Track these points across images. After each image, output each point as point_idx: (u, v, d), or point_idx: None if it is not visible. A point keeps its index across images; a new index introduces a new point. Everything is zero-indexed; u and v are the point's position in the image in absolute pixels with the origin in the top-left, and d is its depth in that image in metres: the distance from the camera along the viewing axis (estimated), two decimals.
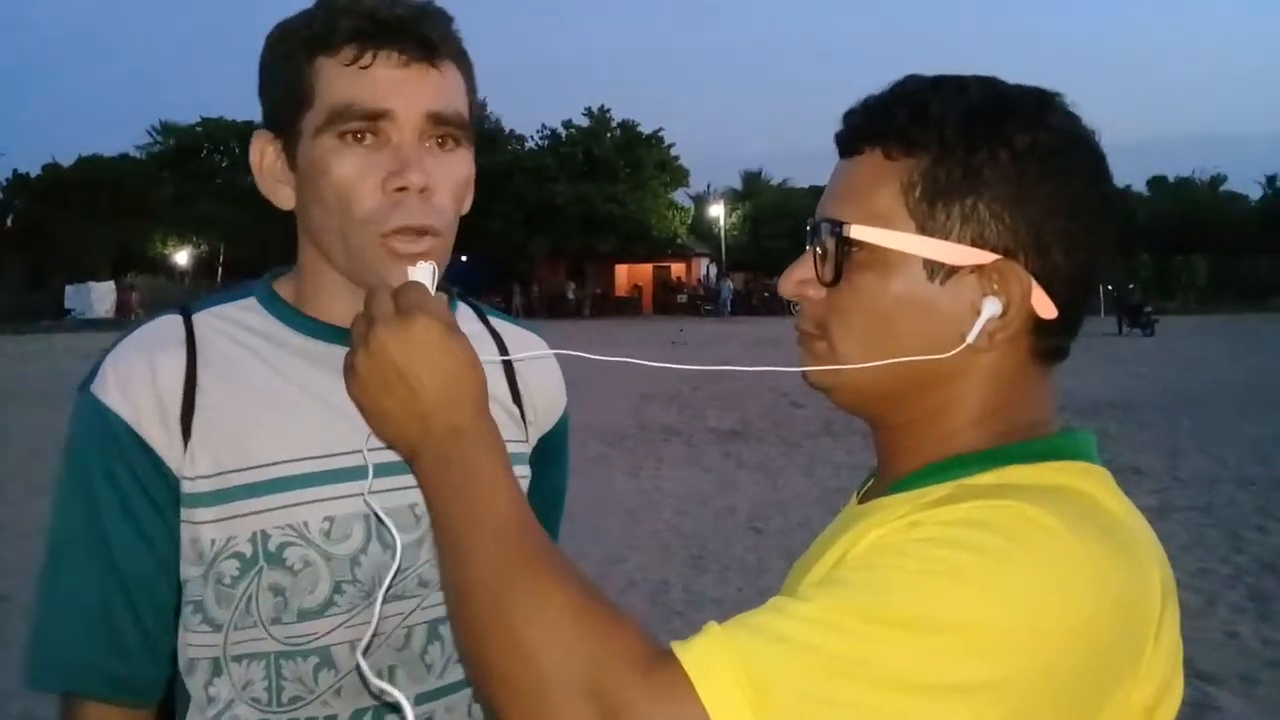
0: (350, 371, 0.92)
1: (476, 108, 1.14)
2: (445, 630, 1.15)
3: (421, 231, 1.04)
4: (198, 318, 1.14)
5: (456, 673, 1.16)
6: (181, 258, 49.46)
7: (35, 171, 51.65)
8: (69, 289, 42.75)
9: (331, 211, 1.05)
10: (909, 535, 0.77)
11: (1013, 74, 0.89)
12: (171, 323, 1.13)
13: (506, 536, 0.80)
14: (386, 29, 1.03)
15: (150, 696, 1.11)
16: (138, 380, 1.07)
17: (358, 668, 0.92)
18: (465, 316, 1.27)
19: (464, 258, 44.57)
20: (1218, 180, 56.85)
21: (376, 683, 0.91)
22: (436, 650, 1.15)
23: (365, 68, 1.03)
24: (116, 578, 1.06)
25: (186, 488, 1.07)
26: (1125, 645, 0.75)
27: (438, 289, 1.02)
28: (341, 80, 1.03)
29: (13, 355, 22.39)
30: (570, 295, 44.98)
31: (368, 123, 1.03)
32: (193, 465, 1.07)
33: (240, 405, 1.09)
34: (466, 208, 1.14)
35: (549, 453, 1.30)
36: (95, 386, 1.08)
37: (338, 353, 1.10)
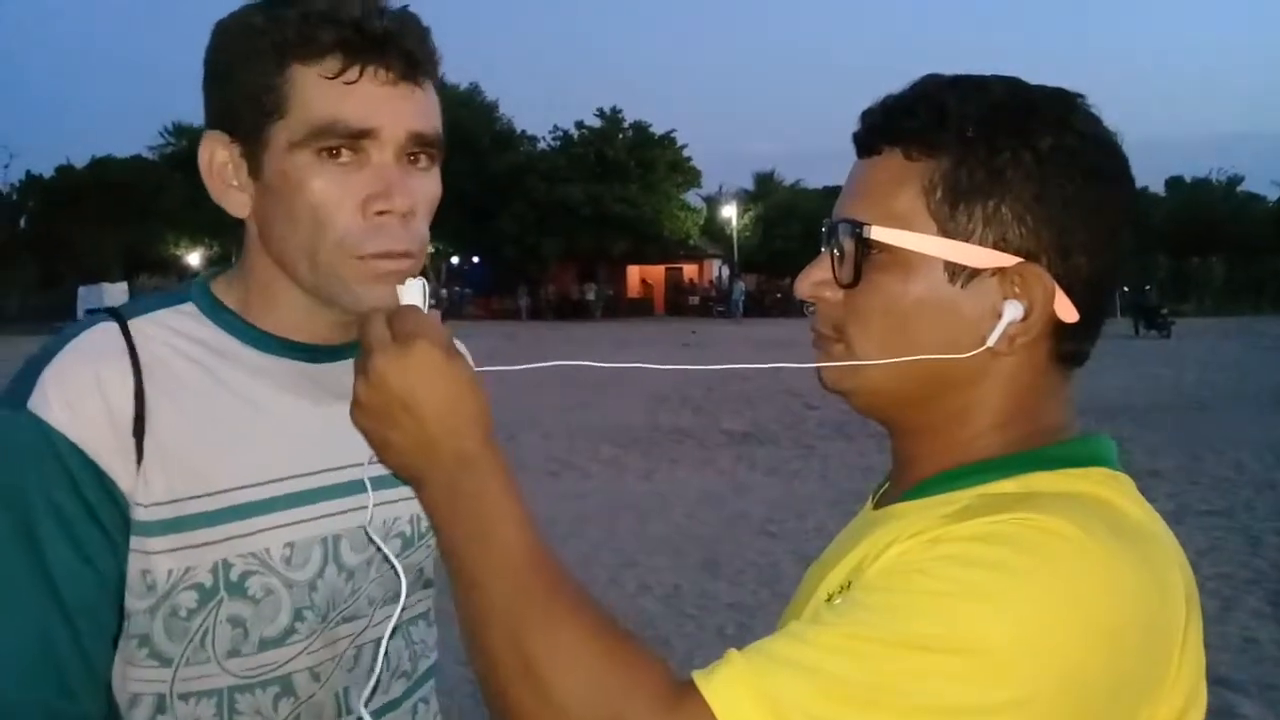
0: (353, 401, 0.90)
1: (444, 125, 1.09)
2: (392, 646, 1.13)
3: (402, 254, 1.00)
4: (134, 325, 1.04)
5: (399, 687, 1.16)
6: (193, 259, 49.66)
7: (48, 173, 51.97)
8: (81, 290, 42.97)
9: (303, 229, 1.00)
10: (928, 553, 0.76)
11: (1029, 73, 0.88)
12: (109, 331, 1.03)
13: (521, 570, 0.79)
14: (374, 44, 0.98)
15: None
16: (85, 395, 0.97)
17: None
18: None
19: (475, 259, 44.72)
20: (1235, 181, 56.58)
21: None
22: (383, 667, 1.11)
23: (351, 83, 0.98)
24: (60, 611, 0.95)
25: (139, 514, 0.99)
26: (1151, 658, 0.74)
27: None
28: (325, 94, 0.98)
29: (26, 357, 22.52)
30: (590, 296, 44.98)
31: (350, 141, 0.99)
32: (146, 490, 0.99)
33: (193, 425, 1.02)
34: None
35: None
36: (34, 403, 0.97)
37: (285, 366, 1.08)
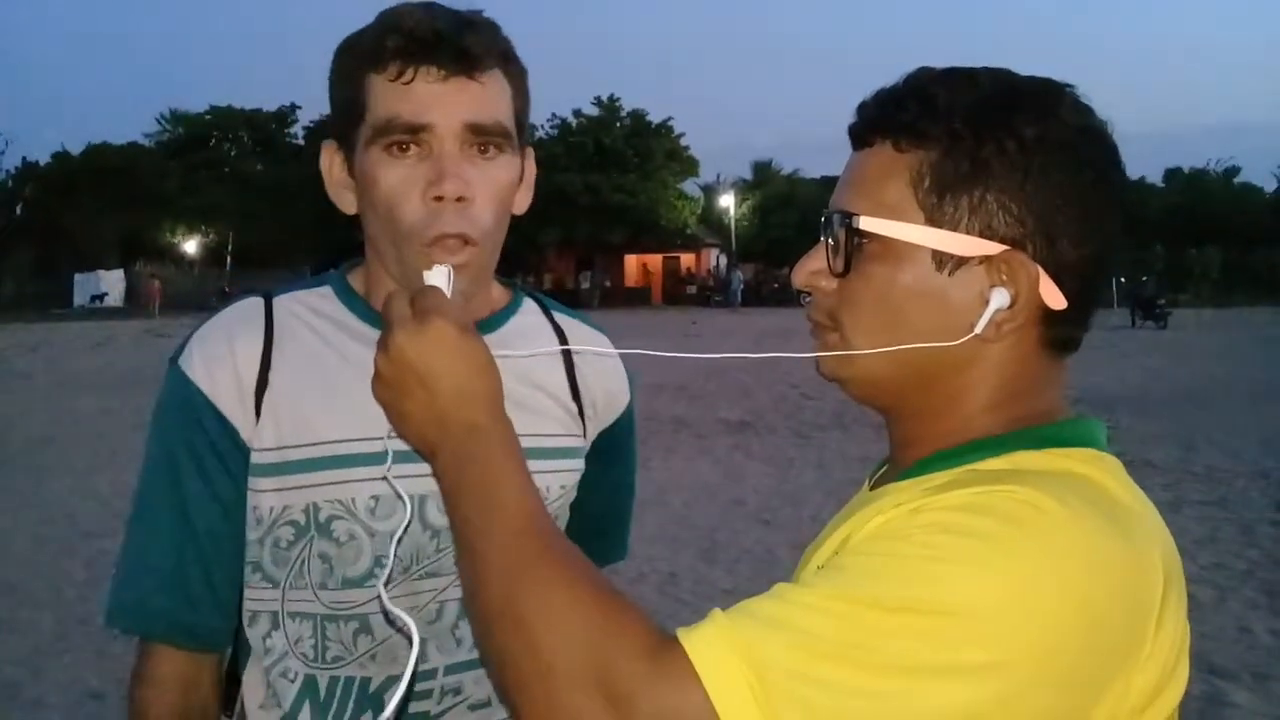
0: (374, 374, 0.95)
1: (525, 111, 1.19)
2: None
3: (458, 239, 1.09)
4: (278, 301, 1.23)
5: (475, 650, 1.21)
6: (190, 246, 49.62)
7: (44, 160, 51.93)
8: (77, 277, 42.96)
9: (382, 220, 1.12)
10: (911, 522, 0.78)
11: (1027, 65, 0.89)
12: (254, 305, 1.23)
13: (518, 531, 0.81)
14: (425, 45, 1.09)
15: (215, 644, 1.22)
16: (219, 358, 1.17)
17: (379, 597, 0.99)
18: (528, 310, 1.32)
19: None
20: (1232, 172, 56.52)
21: (391, 609, 0.95)
22: (467, 626, 1.20)
23: (407, 83, 1.09)
24: (191, 534, 1.16)
25: (254, 459, 1.17)
26: (1126, 629, 0.75)
27: (509, 286, 1.08)
28: (387, 95, 1.10)
29: (23, 343, 22.51)
30: (586, 285, 44.96)
31: (410, 135, 1.09)
32: (260, 438, 1.16)
33: (305, 385, 1.18)
34: (524, 207, 1.22)
35: (611, 447, 1.36)
36: (182, 361, 1.18)
37: None
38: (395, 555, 1.06)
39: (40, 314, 35.57)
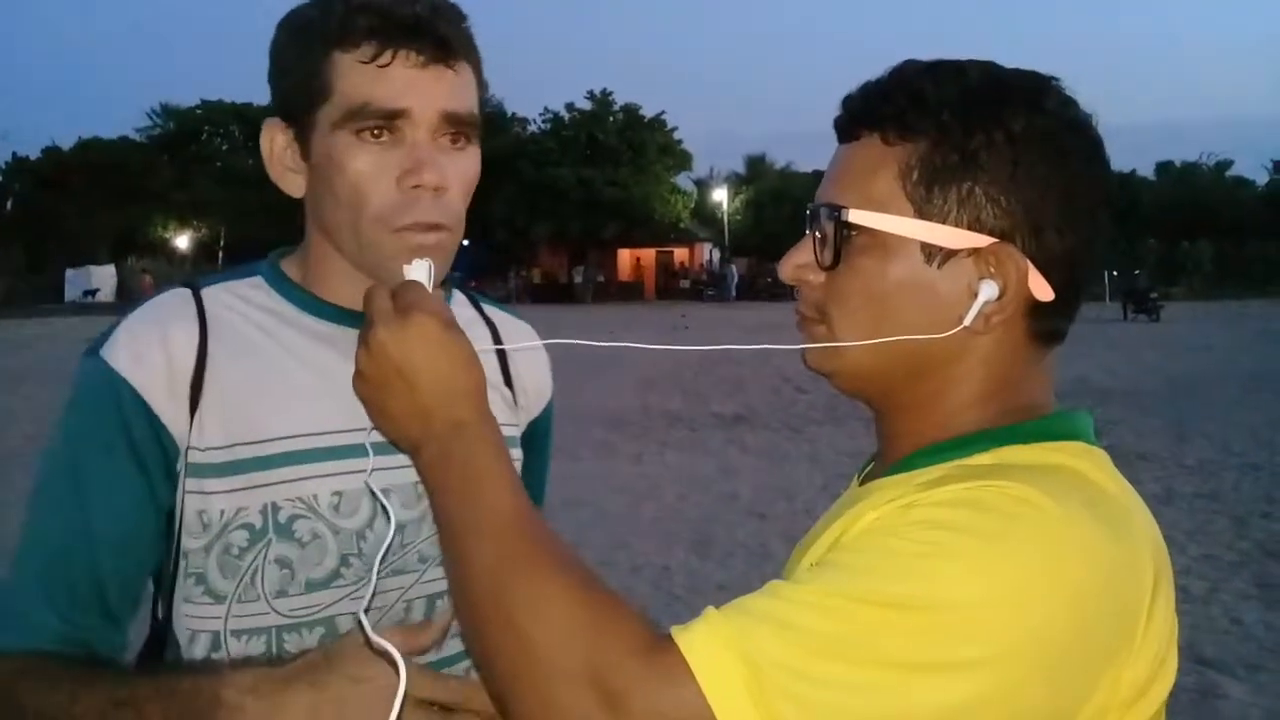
0: (355, 370, 0.94)
1: (485, 102, 1.15)
2: (442, 604, 1.17)
3: (433, 226, 1.06)
4: (206, 292, 1.16)
5: (453, 646, 1.17)
6: (182, 241, 49.47)
7: (35, 155, 51.67)
8: (69, 273, 42.78)
9: (344, 205, 1.07)
10: (902, 517, 0.78)
11: (1019, 60, 0.89)
12: (182, 296, 1.15)
13: (506, 529, 0.81)
14: (405, 28, 1.04)
15: (85, 651, 1.06)
16: (150, 348, 1.09)
17: (359, 624, 0.94)
18: (459, 303, 1.30)
19: (466, 242, 44.56)
20: (1224, 165, 56.59)
21: (376, 639, 0.92)
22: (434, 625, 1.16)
23: (384, 66, 1.04)
24: (85, 537, 1.06)
25: (195, 458, 1.09)
26: (1116, 622, 0.76)
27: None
28: (360, 78, 1.05)
29: (14, 340, 22.43)
30: (579, 279, 44.92)
31: (385, 121, 1.05)
32: (201, 436, 1.09)
33: (251, 379, 1.11)
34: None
35: (534, 438, 1.32)
36: (105, 351, 1.09)
37: (343, 333, 1.14)
38: (377, 570, 1.01)
39: (31, 310, 35.40)
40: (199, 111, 53.88)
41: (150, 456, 1.08)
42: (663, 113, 47.80)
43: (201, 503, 1.09)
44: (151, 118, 54.68)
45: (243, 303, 1.16)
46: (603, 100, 47.02)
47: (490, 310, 1.33)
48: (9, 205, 50.06)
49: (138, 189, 46.85)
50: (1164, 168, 56.41)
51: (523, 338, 1.31)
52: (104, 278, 42.31)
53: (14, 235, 44.96)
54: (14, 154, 52.34)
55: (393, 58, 1.04)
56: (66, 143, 51.94)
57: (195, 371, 1.10)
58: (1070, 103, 0.88)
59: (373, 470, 1.06)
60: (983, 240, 0.85)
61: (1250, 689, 4.19)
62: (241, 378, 1.11)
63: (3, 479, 8.35)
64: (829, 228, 0.89)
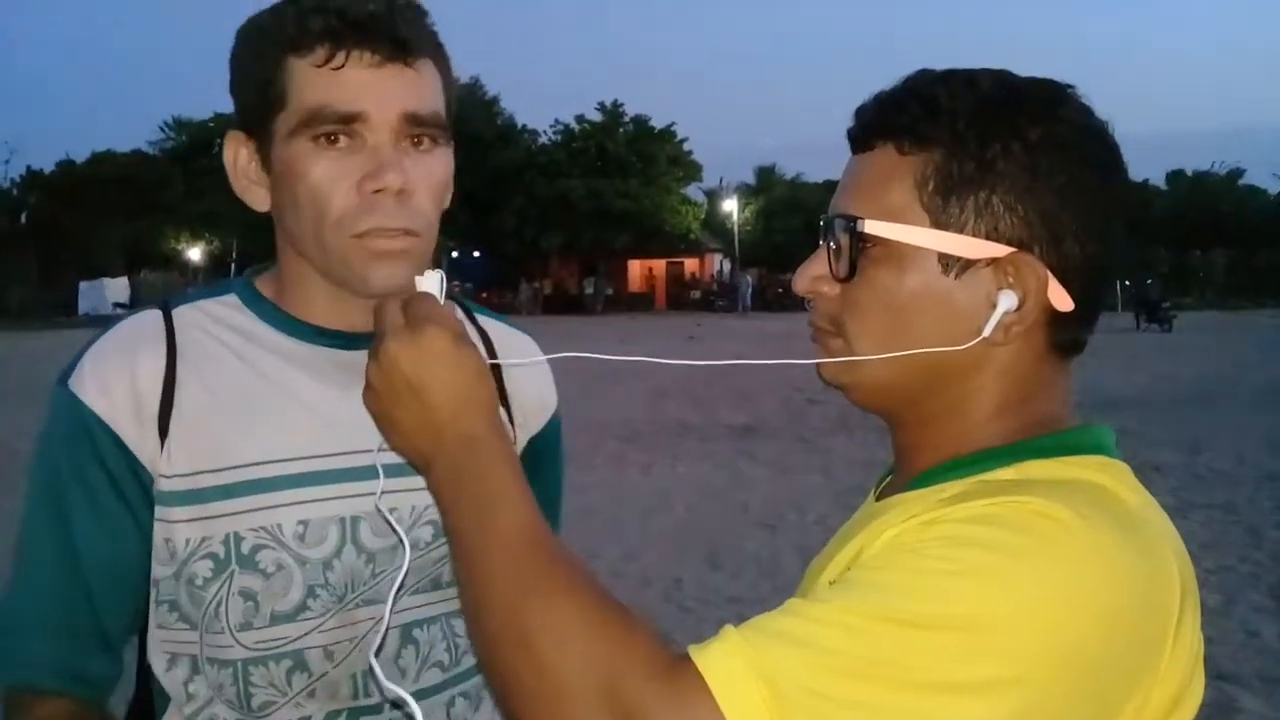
0: (365, 384, 0.92)
1: (453, 102, 1.11)
2: (419, 634, 1.14)
3: (398, 232, 1.02)
4: (178, 313, 1.12)
5: (431, 677, 1.15)
6: (194, 254, 49.62)
7: (49, 168, 51.98)
8: (82, 285, 42.97)
9: (305, 214, 1.03)
10: (924, 534, 0.76)
11: (1030, 66, 0.89)
12: (152, 318, 1.11)
13: (519, 547, 0.79)
14: (358, 28, 1.00)
15: (100, 691, 1.10)
16: (116, 377, 1.06)
17: (370, 669, 0.91)
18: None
19: (476, 253, 44.74)
20: (1236, 174, 56.40)
21: (388, 685, 0.89)
22: (410, 654, 1.13)
23: (337, 69, 1.00)
24: (79, 575, 1.05)
25: (162, 485, 1.06)
26: (1144, 641, 0.74)
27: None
28: (314, 82, 1.01)
29: (27, 353, 22.52)
30: (589, 290, 44.95)
31: (341, 125, 1.01)
32: (169, 464, 1.06)
33: (217, 405, 1.08)
34: (446, 204, 1.11)
35: (539, 455, 1.25)
36: (73, 382, 1.06)
37: (317, 353, 1.11)
38: (393, 596, 0.98)
39: (45, 322, 35.58)
40: (211, 124, 53.95)
41: (127, 485, 1.06)
42: (673, 124, 47.83)
43: (167, 531, 1.06)
44: (164, 130, 54.97)
45: (214, 322, 1.12)
46: (613, 111, 47.08)
47: (485, 321, 1.27)
48: (23, 218, 50.30)
49: (150, 202, 47.04)
50: (1175, 176, 56.25)
51: (520, 349, 1.26)
52: (117, 290, 42.46)
53: (28, 247, 45.18)
54: (28, 167, 52.71)
55: (346, 59, 1.00)
56: (80, 156, 52.31)
57: (163, 398, 1.06)
58: (1087, 110, 0.87)
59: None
60: (1001, 250, 0.84)
61: (1267, 702, 4.14)
62: (208, 403, 1.07)
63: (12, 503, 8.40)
64: (844, 239, 0.88)
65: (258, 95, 1.04)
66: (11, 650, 1.07)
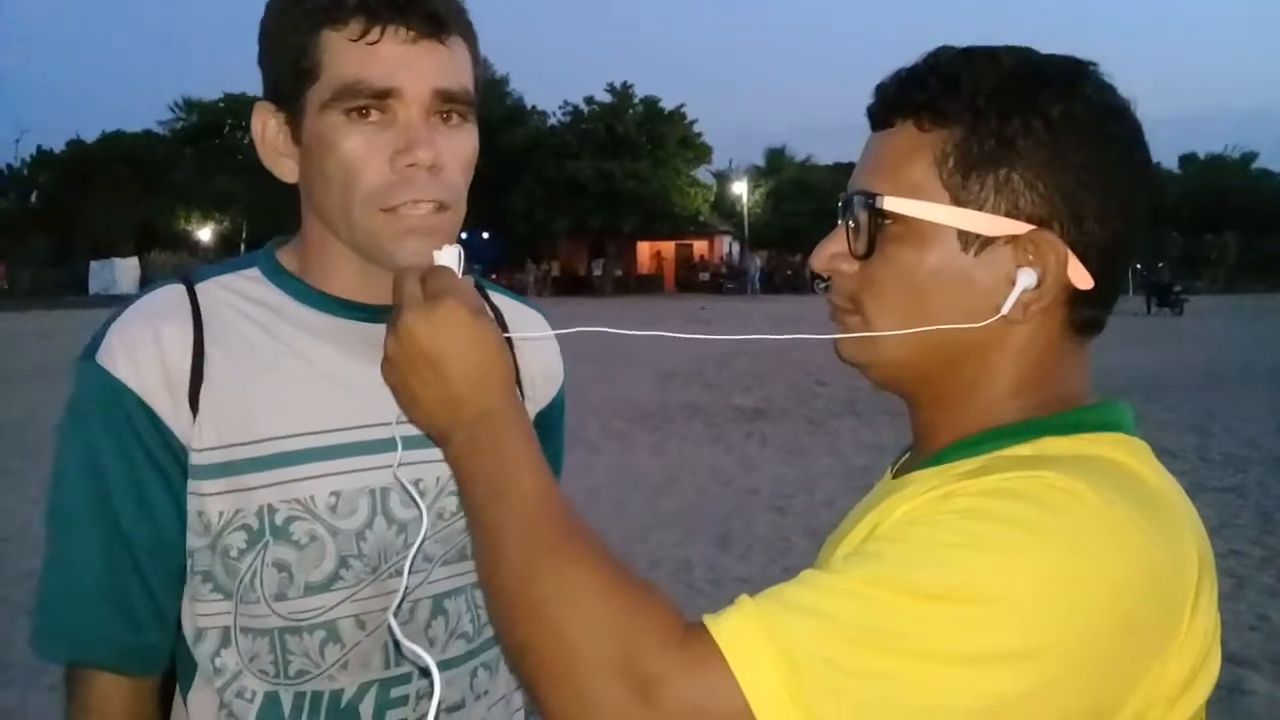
0: (384, 356, 0.93)
1: (480, 79, 1.12)
2: (449, 604, 1.16)
3: (432, 204, 1.03)
4: (201, 287, 1.12)
5: (457, 647, 1.17)
6: (205, 234, 49.72)
7: (59, 148, 52.05)
8: (93, 265, 43.10)
9: (336, 187, 1.04)
10: (941, 507, 0.77)
11: (1041, 47, 0.88)
12: (175, 292, 1.11)
13: (536, 517, 0.80)
14: (393, 4, 1.01)
15: (158, 666, 1.11)
16: (145, 350, 1.06)
17: (389, 629, 0.92)
18: None
19: (485, 234, 44.73)
20: (1249, 157, 56.06)
21: (409, 645, 0.90)
22: (440, 625, 1.15)
23: (373, 44, 1.01)
24: (124, 547, 1.06)
25: (194, 459, 1.07)
26: (1161, 615, 0.74)
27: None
28: (349, 56, 1.01)
29: (40, 331, 22.62)
30: (599, 272, 44.92)
31: (375, 100, 1.02)
32: (200, 437, 1.06)
33: (246, 378, 1.08)
34: (470, 179, 1.12)
35: (545, 428, 1.25)
36: (101, 355, 1.06)
37: (343, 326, 1.12)
38: (409, 563, 1.00)
39: (56, 302, 35.73)
40: (222, 105, 54.03)
41: (163, 458, 1.06)
42: (682, 105, 47.68)
43: (200, 504, 1.07)
44: (174, 111, 54.97)
45: (238, 296, 1.12)
46: (622, 93, 46.92)
47: (497, 297, 1.29)
48: (34, 198, 50.48)
49: (161, 182, 47.12)
50: (1188, 160, 55.93)
51: (531, 325, 1.28)
52: (127, 270, 42.57)
53: (39, 227, 45.33)
54: (39, 148, 52.80)
55: (381, 34, 1.01)
56: (90, 136, 52.36)
57: (193, 372, 1.07)
58: (1108, 88, 0.86)
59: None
60: (1021, 227, 0.83)
61: (1276, 684, 4.15)
62: (236, 376, 1.08)
63: (29, 474, 8.44)
64: (863, 216, 0.87)
65: (290, 67, 1.04)
66: (67, 629, 1.08)
